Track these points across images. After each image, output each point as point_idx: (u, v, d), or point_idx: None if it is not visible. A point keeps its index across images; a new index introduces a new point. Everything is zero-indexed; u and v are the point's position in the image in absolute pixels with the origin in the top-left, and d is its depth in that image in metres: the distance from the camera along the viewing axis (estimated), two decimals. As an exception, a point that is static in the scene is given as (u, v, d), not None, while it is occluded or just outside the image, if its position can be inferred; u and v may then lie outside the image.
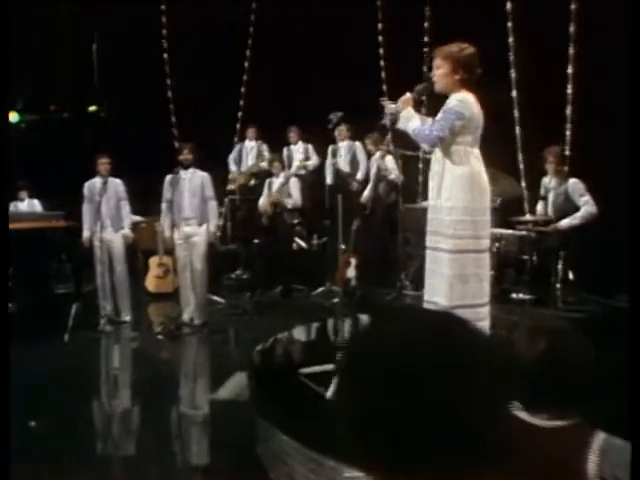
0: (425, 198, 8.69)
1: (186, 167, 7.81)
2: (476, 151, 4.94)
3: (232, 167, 10.87)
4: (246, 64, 11.53)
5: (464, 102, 4.82)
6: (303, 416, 4.23)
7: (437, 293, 4.92)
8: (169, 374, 6.46)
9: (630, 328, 3.40)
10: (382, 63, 11.07)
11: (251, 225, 9.88)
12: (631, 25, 3.43)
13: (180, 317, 7.75)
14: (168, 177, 7.84)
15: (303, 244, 9.59)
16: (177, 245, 7.78)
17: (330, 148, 9.93)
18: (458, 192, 4.82)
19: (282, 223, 9.47)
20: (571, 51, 8.82)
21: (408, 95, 4.91)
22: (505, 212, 7.80)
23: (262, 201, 9.66)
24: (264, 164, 10.68)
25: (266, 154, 10.67)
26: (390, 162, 9.20)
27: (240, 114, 11.57)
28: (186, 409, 5.66)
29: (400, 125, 4.94)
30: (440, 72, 4.90)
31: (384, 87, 11.03)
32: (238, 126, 11.51)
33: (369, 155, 9.62)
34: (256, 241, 9.38)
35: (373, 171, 9.35)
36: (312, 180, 10.26)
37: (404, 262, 8.80)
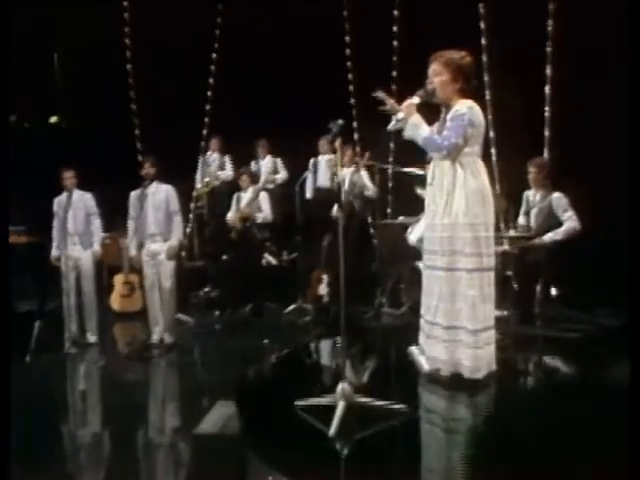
0: (397, 214, 8.73)
1: (149, 181, 7.47)
2: (481, 162, 4.75)
3: (198, 181, 10.54)
4: (211, 80, 11.20)
5: (473, 109, 4.68)
6: (301, 454, 3.90)
7: (460, 317, 4.75)
8: (139, 400, 5.99)
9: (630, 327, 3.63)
10: (350, 76, 10.91)
11: (219, 241, 9.54)
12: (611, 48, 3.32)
13: (149, 338, 7.39)
14: (133, 193, 7.54)
15: (273, 260, 9.32)
16: (144, 263, 7.42)
17: (311, 161, 9.75)
18: (475, 207, 4.70)
19: (252, 238, 9.14)
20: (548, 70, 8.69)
21: (415, 100, 4.72)
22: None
23: (231, 216, 9.32)
24: (225, 176, 10.47)
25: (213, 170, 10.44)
26: (365, 177, 8.99)
27: (205, 127, 11.22)
28: (161, 439, 5.14)
29: (408, 132, 4.76)
30: (440, 79, 4.74)
31: (352, 100, 10.88)
32: (203, 141, 11.15)
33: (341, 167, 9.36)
34: (225, 257, 9.08)
35: (346, 186, 9.10)
36: (282, 194, 9.98)
37: (380, 279, 8.53)
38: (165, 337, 7.39)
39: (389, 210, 10.06)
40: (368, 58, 10.25)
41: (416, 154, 7.11)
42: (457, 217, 4.71)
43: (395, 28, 10.48)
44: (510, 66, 8.34)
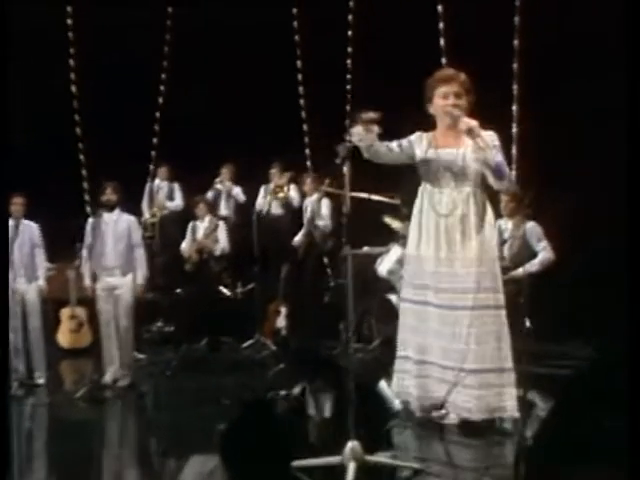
0: (371, 243, 8.43)
1: (109, 209, 6.96)
2: None
3: (144, 210, 10.04)
4: (160, 99, 10.75)
5: None
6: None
7: (455, 357, 4.50)
8: (94, 449, 5.39)
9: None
10: (302, 101, 10.60)
11: (173, 273, 9.10)
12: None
13: (102, 378, 6.80)
14: (90, 220, 7.05)
15: (227, 292, 8.91)
16: (99, 297, 6.88)
17: (262, 189, 9.51)
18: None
19: (209, 271, 8.73)
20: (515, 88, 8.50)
21: (473, 122, 4.38)
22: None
23: (186, 247, 8.88)
24: (174, 206, 10.09)
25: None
26: (325, 207, 8.73)
27: (154, 154, 10.73)
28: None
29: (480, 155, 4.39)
30: (463, 102, 4.51)
31: (304, 126, 10.58)
32: (151, 166, 10.69)
33: (303, 197, 9.12)
34: (179, 290, 8.67)
35: (307, 215, 8.80)
36: (238, 224, 9.63)
37: (345, 312, 8.12)
38: (120, 377, 6.83)
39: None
40: (320, 82, 10.04)
41: (370, 181, 7.17)
42: (483, 251, 4.51)
43: (350, 49, 10.20)
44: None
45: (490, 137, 4.46)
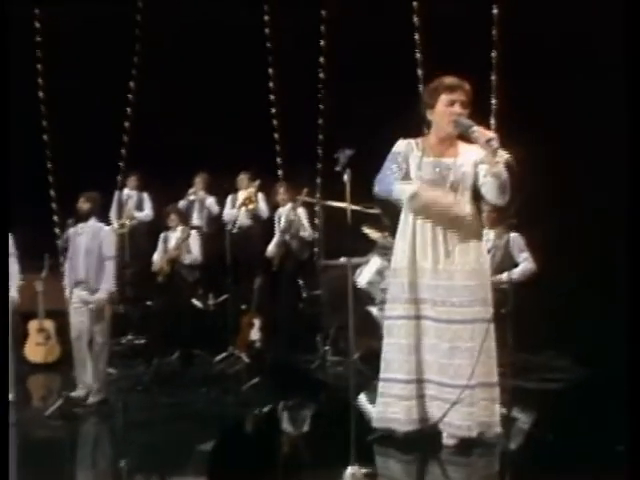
0: (349, 254, 8.21)
1: (83, 219, 6.70)
2: None
3: (113, 220, 9.78)
4: (129, 109, 10.53)
5: None
6: None
7: (459, 372, 4.36)
8: (66, 470, 5.10)
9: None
10: (273, 110, 10.44)
11: (143, 284, 8.89)
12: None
13: (73, 394, 6.52)
14: (70, 230, 6.82)
15: (199, 304, 8.70)
16: (72, 309, 6.61)
17: (229, 198, 9.44)
18: (480, 252, 4.47)
19: (181, 282, 8.50)
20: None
21: (491, 133, 4.21)
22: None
23: (157, 258, 8.65)
24: (143, 216, 9.90)
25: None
26: (302, 216, 8.63)
27: (122, 163, 10.51)
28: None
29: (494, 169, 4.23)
30: (466, 112, 4.40)
31: (275, 135, 10.41)
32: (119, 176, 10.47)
33: (275, 207, 8.96)
34: (150, 303, 8.49)
35: (281, 225, 8.68)
36: (210, 235, 9.44)
37: (322, 325, 8.01)
38: (92, 393, 6.54)
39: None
40: (293, 91, 9.94)
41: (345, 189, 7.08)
42: (480, 263, 4.42)
43: (322, 59, 10.14)
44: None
45: (481, 151, 4.36)
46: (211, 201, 9.75)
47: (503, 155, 4.18)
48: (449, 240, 4.41)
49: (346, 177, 4.14)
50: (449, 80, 4.41)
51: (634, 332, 3.87)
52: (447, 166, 4.45)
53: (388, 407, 4.54)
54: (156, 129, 9.74)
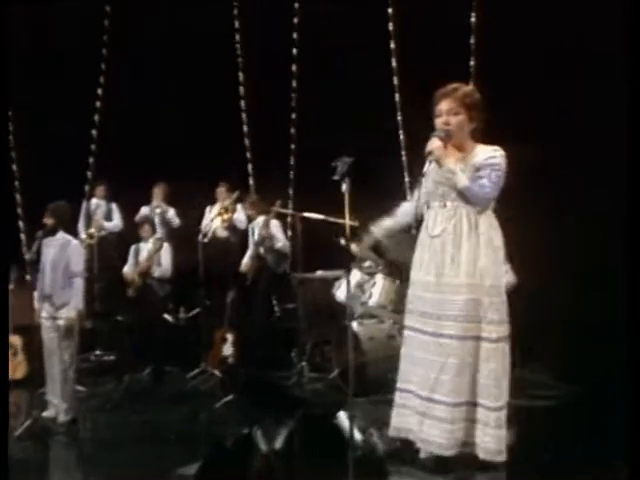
0: (321, 267, 8.07)
1: (49, 233, 6.39)
2: None
3: (81, 231, 9.51)
4: (96, 117, 10.26)
5: (504, 157, 4.23)
6: None
7: (484, 394, 4.22)
8: None
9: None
10: (244, 116, 10.26)
11: (113, 298, 8.65)
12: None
13: (45, 413, 6.27)
14: (41, 241, 6.46)
15: (169, 318, 8.51)
16: (43, 327, 6.31)
17: (207, 209, 9.21)
18: (499, 268, 4.28)
19: (152, 295, 8.28)
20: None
21: (439, 142, 4.16)
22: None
23: (128, 270, 8.42)
24: (112, 226, 9.66)
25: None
26: (275, 228, 8.43)
27: (90, 170, 10.24)
28: None
29: (441, 177, 4.22)
30: (458, 119, 4.23)
31: (247, 142, 10.22)
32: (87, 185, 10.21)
33: (249, 220, 8.78)
34: (120, 317, 8.19)
35: (255, 238, 8.51)
36: (181, 246, 9.13)
37: (298, 340, 7.78)
38: (62, 412, 6.26)
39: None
40: (263, 99, 9.79)
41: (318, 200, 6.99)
42: (482, 278, 4.20)
43: (294, 67, 9.97)
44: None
45: (484, 154, 4.26)
46: (172, 213, 9.54)
47: (451, 169, 4.17)
48: (455, 252, 4.27)
49: (345, 187, 3.95)
50: (441, 90, 4.35)
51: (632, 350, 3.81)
52: (445, 173, 4.33)
53: (404, 418, 4.44)
54: (125, 137, 9.55)
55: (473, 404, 4.24)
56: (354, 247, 7.26)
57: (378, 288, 6.71)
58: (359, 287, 6.88)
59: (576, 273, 7.02)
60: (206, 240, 8.47)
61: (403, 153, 8.98)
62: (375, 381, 6.51)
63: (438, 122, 4.28)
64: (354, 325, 6.91)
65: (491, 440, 4.21)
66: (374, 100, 8.80)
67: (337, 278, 7.34)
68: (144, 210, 9.50)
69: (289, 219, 9.10)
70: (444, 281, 4.26)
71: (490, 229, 4.27)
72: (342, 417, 5.81)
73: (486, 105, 4.30)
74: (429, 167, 4.18)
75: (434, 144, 4.17)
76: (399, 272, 6.61)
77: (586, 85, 6.96)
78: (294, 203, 9.57)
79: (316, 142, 9.21)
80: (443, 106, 4.26)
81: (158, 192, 9.49)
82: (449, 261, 4.24)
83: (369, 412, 6.02)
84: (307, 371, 7.45)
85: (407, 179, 8.58)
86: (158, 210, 9.46)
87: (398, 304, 6.61)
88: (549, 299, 6.98)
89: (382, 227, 4.71)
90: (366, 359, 6.72)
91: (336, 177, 4.05)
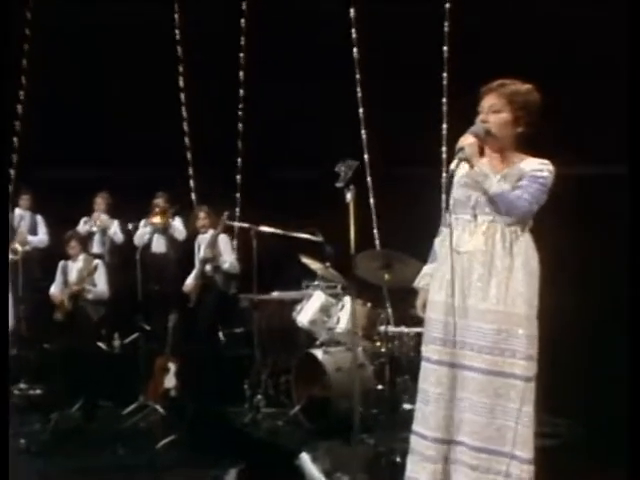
0: (283, 287, 7.44)
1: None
2: None
3: (1, 246, 8.62)
4: (17, 124, 9.39)
5: (552, 174, 3.69)
6: None
7: (517, 443, 3.62)
8: None
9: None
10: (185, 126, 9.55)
11: (39, 323, 7.97)
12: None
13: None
14: None
15: (103, 346, 7.75)
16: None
17: (141, 223, 8.44)
18: (533, 295, 3.67)
19: (83, 320, 7.58)
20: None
21: (472, 138, 3.62)
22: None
23: (55, 291, 7.72)
24: (37, 241, 8.90)
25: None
26: (223, 244, 7.85)
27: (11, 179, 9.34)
28: None
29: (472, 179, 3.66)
30: (499, 117, 3.71)
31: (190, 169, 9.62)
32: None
33: (194, 233, 8.14)
34: (46, 345, 7.47)
35: (201, 254, 7.90)
36: (115, 265, 8.49)
37: (251, 370, 7.07)
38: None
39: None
40: (206, 105, 9.15)
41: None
42: (515, 305, 3.62)
43: (242, 74, 9.38)
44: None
45: (530, 165, 3.70)
46: (115, 226, 8.78)
47: (484, 172, 3.62)
48: (484, 273, 3.70)
49: (349, 196, 3.30)
50: (484, 87, 3.83)
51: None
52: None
53: (415, 466, 3.86)
54: (53, 143, 8.79)
55: (499, 453, 3.63)
56: (315, 265, 6.68)
57: (347, 312, 6.17)
58: (324, 311, 6.38)
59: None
60: (139, 256, 7.73)
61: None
62: (344, 418, 5.77)
63: (478, 120, 3.76)
64: (318, 353, 6.21)
65: None
66: (330, 101, 8.26)
67: (296, 300, 6.77)
68: (83, 223, 8.77)
69: (236, 234, 8.57)
70: (469, 305, 3.70)
71: (527, 250, 3.72)
72: (305, 460, 5.04)
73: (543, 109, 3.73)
74: (456, 167, 3.63)
75: (467, 140, 3.63)
76: (370, 294, 6.17)
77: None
78: (241, 215, 8.95)
79: (263, 150, 8.88)
80: (485, 102, 3.75)
81: (100, 202, 8.78)
82: (477, 282, 3.69)
83: (336, 455, 5.50)
84: (263, 405, 6.69)
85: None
86: (98, 223, 8.71)
87: (370, 330, 6.14)
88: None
89: (426, 278, 4.05)
90: (332, 393, 6.04)
91: (339, 184, 3.53)
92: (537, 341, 3.68)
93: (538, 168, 3.67)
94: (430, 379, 3.78)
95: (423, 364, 3.86)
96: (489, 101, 3.72)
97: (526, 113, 3.71)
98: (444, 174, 7.31)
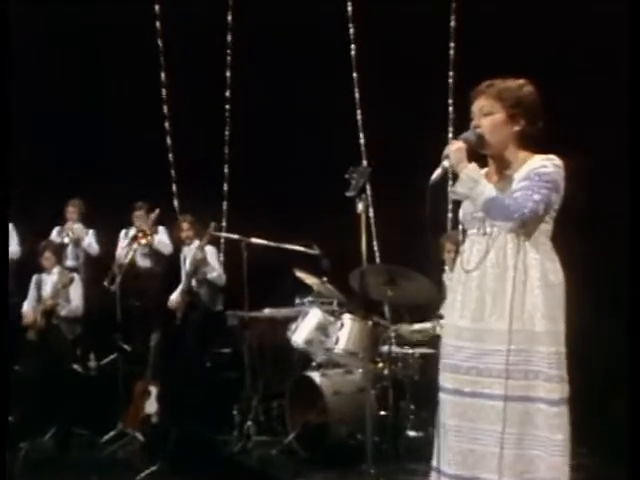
0: (275, 303, 7.01)
1: None
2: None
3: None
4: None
5: (560, 168, 3.39)
6: None
7: (535, 469, 3.27)
8: None
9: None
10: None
11: (10, 342, 7.19)
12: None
13: None
14: None
15: (78, 368, 7.34)
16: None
17: (122, 233, 8.20)
18: (556, 309, 3.39)
19: (58, 339, 7.14)
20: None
21: (460, 144, 3.37)
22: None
23: (28, 308, 7.23)
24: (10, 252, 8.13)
25: None
26: (210, 256, 7.44)
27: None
28: None
29: (461, 188, 3.41)
30: (491, 120, 3.45)
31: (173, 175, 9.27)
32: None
33: (179, 244, 7.77)
34: (17, 367, 6.94)
35: (187, 267, 7.48)
36: (89, 278, 8.03)
37: (241, 394, 6.63)
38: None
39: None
40: (186, 113, 8.82)
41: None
42: (533, 322, 3.33)
43: (228, 74, 9.08)
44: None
45: (534, 164, 3.39)
46: (90, 237, 8.33)
47: (472, 177, 3.36)
48: (498, 289, 3.40)
49: (361, 206, 2.98)
50: (474, 90, 3.57)
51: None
52: None
53: None
54: (32, 148, 8.42)
55: None
56: (311, 279, 6.28)
57: (346, 331, 5.69)
58: (321, 329, 5.91)
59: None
60: (124, 270, 7.33)
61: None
62: (342, 447, 5.61)
63: (471, 125, 3.51)
64: (315, 376, 5.82)
65: None
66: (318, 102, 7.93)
67: (290, 318, 6.35)
68: (56, 233, 8.32)
69: (222, 246, 8.29)
70: (483, 327, 3.38)
71: (544, 261, 3.39)
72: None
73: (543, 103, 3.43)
74: (438, 177, 3.33)
75: (453, 146, 3.38)
76: (371, 311, 5.76)
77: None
78: (227, 226, 8.66)
79: (253, 156, 8.44)
80: (475, 106, 3.50)
81: (73, 210, 8.31)
82: (490, 301, 3.37)
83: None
84: (254, 433, 6.27)
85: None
86: (70, 234, 8.23)
87: (371, 351, 5.68)
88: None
89: None
90: (330, 419, 5.65)
91: (351, 193, 3.33)
92: (565, 359, 3.36)
93: (540, 165, 3.36)
94: (446, 410, 3.45)
95: (440, 395, 3.53)
96: (478, 104, 3.48)
97: (522, 110, 3.44)
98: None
